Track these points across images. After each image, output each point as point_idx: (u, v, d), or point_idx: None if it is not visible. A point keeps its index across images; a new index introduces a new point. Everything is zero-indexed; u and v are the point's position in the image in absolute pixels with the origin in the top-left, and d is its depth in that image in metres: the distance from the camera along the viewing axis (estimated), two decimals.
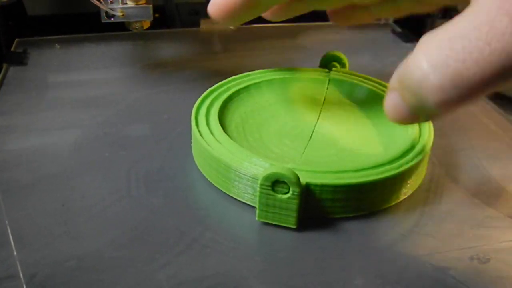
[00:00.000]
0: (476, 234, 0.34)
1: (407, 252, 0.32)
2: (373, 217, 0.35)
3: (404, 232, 0.34)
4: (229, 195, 0.35)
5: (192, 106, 0.39)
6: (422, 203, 0.36)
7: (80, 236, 0.32)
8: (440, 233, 0.34)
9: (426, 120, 0.30)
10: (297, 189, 0.31)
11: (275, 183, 0.31)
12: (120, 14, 0.47)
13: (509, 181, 0.38)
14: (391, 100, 0.28)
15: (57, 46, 0.57)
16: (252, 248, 0.32)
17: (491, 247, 0.33)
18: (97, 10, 0.47)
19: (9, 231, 0.32)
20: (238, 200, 0.35)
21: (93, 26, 0.55)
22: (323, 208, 0.34)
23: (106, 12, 0.46)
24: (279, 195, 0.32)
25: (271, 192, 0.32)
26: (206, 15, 0.70)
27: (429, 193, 0.37)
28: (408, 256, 0.32)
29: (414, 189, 0.37)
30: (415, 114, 0.27)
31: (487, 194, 0.37)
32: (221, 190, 0.36)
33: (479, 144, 0.43)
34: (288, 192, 0.31)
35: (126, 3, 0.47)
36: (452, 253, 0.32)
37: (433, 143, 0.37)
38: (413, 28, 0.64)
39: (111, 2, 0.47)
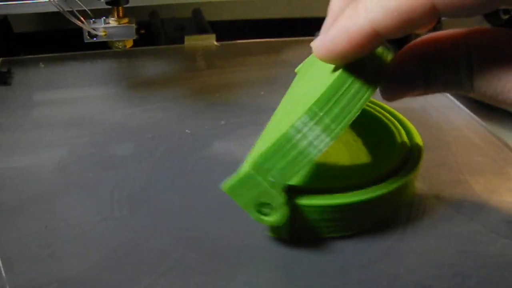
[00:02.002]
0: (459, 250, 0.34)
1: (390, 269, 0.32)
2: (354, 233, 0.35)
3: (386, 249, 0.34)
4: (212, 216, 0.35)
5: (176, 124, 0.39)
6: (405, 219, 0.36)
7: (64, 258, 0.32)
8: (423, 249, 0.34)
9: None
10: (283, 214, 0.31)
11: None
12: (102, 34, 0.47)
13: (492, 196, 0.39)
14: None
15: (42, 65, 0.57)
16: (235, 269, 0.32)
17: (474, 264, 0.33)
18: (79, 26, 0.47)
19: None
20: (222, 221, 0.35)
21: (79, 43, 0.55)
22: (311, 229, 0.34)
23: (89, 32, 0.46)
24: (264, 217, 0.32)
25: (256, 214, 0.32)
26: (191, 31, 0.70)
27: (412, 208, 0.37)
28: (391, 273, 0.32)
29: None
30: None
31: (470, 209, 0.37)
32: (205, 210, 0.36)
33: (463, 159, 0.43)
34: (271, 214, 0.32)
35: (109, 23, 0.47)
36: (435, 270, 0.32)
37: None
38: (398, 43, 0.64)
39: (94, 22, 0.47)
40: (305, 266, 0.32)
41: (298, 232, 0.33)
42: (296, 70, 0.42)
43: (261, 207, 0.31)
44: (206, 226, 0.35)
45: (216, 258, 0.32)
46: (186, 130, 0.44)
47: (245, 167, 0.31)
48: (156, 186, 0.38)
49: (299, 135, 0.30)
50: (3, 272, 0.31)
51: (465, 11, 0.27)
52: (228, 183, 0.31)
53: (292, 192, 0.32)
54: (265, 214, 0.31)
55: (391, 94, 0.31)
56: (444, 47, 0.29)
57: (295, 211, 0.32)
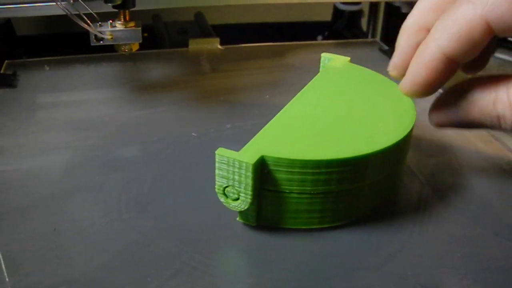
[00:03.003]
0: (465, 254, 0.34)
1: (397, 271, 0.32)
2: (363, 236, 0.35)
3: (393, 252, 0.34)
4: (218, 218, 0.36)
5: (181, 127, 0.39)
6: (411, 223, 0.36)
7: (72, 260, 0.32)
8: (430, 253, 0.34)
9: None
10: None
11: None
12: (109, 37, 0.47)
13: (496, 200, 0.39)
14: None
15: (46, 67, 0.57)
16: (242, 271, 0.32)
17: (480, 267, 0.33)
18: (86, 30, 0.47)
19: (0, 256, 0.32)
20: (228, 223, 0.35)
21: (82, 46, 0.55)
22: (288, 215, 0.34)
23: (95, 35, 0.46)
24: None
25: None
26: (194, 34, 0.71)
27: (417, 212, 0.37)
28: (398, 276, 0.32)
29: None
30: None
31: (475, 213, 0.38)
32: (212, 213, 0.36)
33: (467, 163, 0.43)
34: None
35: (115, 26, 0.47)
36: (441, 273, 0.32)
37: (421, 162, 0.37)
38: None
39: (100, 25, 0.47)
40: (312, 270, 0.32)
41: (266, 218, 0.34)
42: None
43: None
44: (212, 228, 0.35)
45: (223, 260, 0.33)
46: (192, 133, 0.44)
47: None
48: (162, 188, 0.38)
49: None
50: (5, 273, 0.31)
51: None
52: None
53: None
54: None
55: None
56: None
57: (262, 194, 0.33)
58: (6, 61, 0.58)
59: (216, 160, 0.32)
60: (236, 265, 0.33)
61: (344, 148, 0.34)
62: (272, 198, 0.34)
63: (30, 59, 0.59)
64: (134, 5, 0.47)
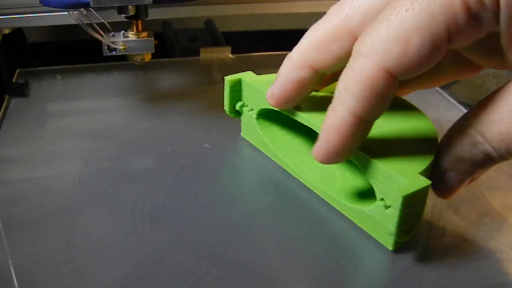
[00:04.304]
0: (479, 268, 0.34)
1: (411, 286, 0.32)
2: (376, 250, 0.35)
3: (407, 266, 0.34)
4: (233, 231, 0.36)
5: (194, 138, 0.39)
6: (424, 237, 0.36)
7: (87, 274, 0.32)
8: (444, 267, 0.34)
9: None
10: None
11: None
12: (122, 47, 0.47)
13: (511, 213, 0.39)
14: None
15: (58, 76, 0.57)
16: (258, 285, 0.32)
17: (495, 281, 0.33)
18: (97, 38, 0.47)
19: (12, 270, 0.32)
20: (243, 236, 0.35)
21: (93, 54, 0.55)
22: None
23: (108, 46, 0.47)
24: None
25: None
26: (204, 42, 0.71)
27: (431, 226, 0.37)
28: None
29: None
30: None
31: (489, 226, 0.37)
32: (227, 226, 0.36)
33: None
34: None
35: (128, 36, 0.47)
36: (455, 287, 0.32)
37: None
38: None
39: (113, 36, 0.47)
40: (326, 285, 0.32)
41: None
42: None
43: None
44: (228, 241, 0.35)
45: (239, 275, 0.33)
46: (206, 145, 0.44)
47: None
48: (177, 200, 0.38)
49: None
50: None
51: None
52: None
53: None
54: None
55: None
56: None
57: None
58: (18, 69, 0.59)
59: None
60: (253, 279, 0.33)
61: None
62: None
63: (42, 68, 0.59)
64: (147, 16, 0.47)
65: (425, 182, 0.32)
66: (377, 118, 0.31)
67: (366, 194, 0.37)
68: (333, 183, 0.39)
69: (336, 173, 0.40)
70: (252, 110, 0.43)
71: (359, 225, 0.36)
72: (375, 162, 0.33)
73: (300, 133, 0.43)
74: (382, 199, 0.33)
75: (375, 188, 0.33)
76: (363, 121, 0.31)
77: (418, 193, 0.31)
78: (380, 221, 0.34)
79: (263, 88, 0.41)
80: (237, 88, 0.43)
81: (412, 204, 0.32)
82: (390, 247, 0.34)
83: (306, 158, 0.41)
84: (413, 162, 0.33)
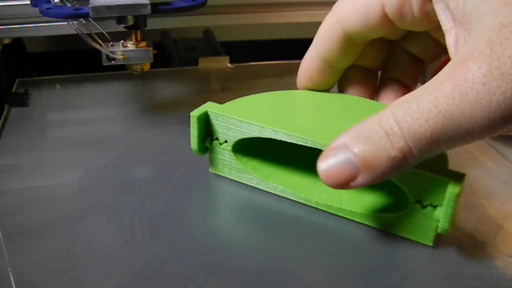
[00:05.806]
0: (476, 275, 0.34)
1: None
2: (373, 257, 0.35)
3: (405, 273, 0.34)
4: (232, 239, 0.36)
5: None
6: (422, 244, 0.36)
7: (87, 282, 0.32)
8: (441, 274, 0.34)
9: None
10: None
11: None
12: (121, 57, 0.47)
13: (507, 220, 0.39)
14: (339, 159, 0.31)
15: (58, 86, 0.58)
16: None
17: None
18: (96, 48, 0.48)
19: (12, 279, 0.32)
20: (242, 244, 0.35)
21: (92, 63, 0.56)
22: None
23: (107, 55, 0.47)
24: None
25: None
26: (203, 52, 0.71)
27: None
28: None
29: None
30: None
31: (486, 233, 0.38)
32: (226, 234, 0.36)
33: (476, 182, 0.43)
34: None
35: (127, 46, 0.48)
36: None
37: None
38: None
39: (112, 45, 0.48)
40: None
41: None
42: None
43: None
44: (226, 249, 0.35)
45: (237, 283, 0.33)
46: None
47: None
48: (175, 209, 0.39)
49: None
50: None
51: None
52: None
53: None
54: None
55: None
56: None
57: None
58: (18, 79, 0.59)
59: None
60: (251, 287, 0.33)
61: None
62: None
63: (41, 77, 0.60)
64: (145, 26, 0.47)
65: (462, 174, 0.33)
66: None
67: (377, 202, 0.38)
68: (341, 199, 0.39)
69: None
70: (226, 142, 0.40)
71: (391, 231, 0.37)
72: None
73: (283, 156, 0.42)
74: (418, 201, 0.35)
75: (408, 192, 0.34)
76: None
77: (462, 186, 0.33)
78: (418, 221, 0.35)
79: (241, 116, 0.38)
80: (204, 122, 0.40)
81: (459, 198, 0.33)
82: (430, 243, 0.36)
83: (302, 180, 0.41)
84: (437, 158, 0.33)
